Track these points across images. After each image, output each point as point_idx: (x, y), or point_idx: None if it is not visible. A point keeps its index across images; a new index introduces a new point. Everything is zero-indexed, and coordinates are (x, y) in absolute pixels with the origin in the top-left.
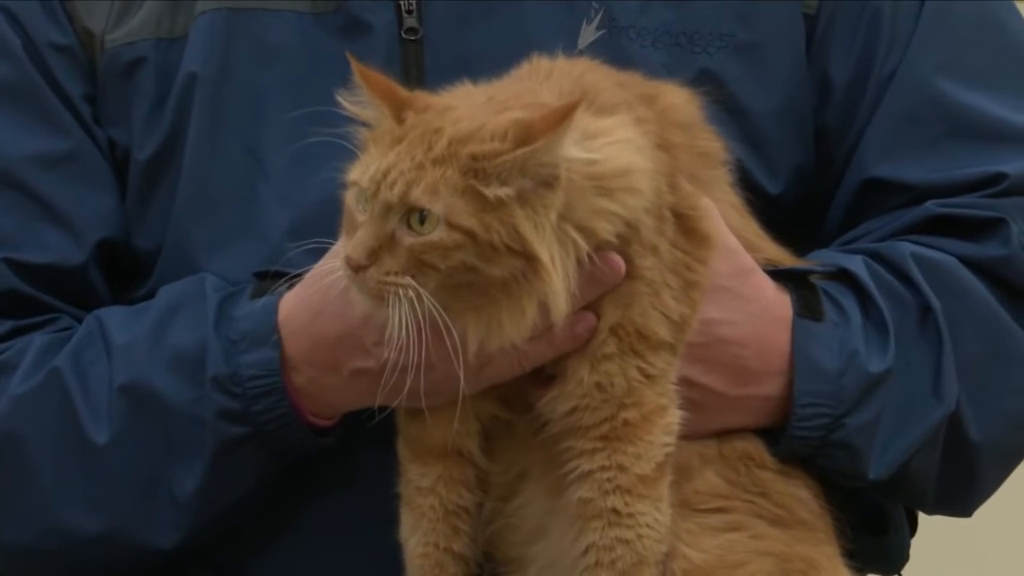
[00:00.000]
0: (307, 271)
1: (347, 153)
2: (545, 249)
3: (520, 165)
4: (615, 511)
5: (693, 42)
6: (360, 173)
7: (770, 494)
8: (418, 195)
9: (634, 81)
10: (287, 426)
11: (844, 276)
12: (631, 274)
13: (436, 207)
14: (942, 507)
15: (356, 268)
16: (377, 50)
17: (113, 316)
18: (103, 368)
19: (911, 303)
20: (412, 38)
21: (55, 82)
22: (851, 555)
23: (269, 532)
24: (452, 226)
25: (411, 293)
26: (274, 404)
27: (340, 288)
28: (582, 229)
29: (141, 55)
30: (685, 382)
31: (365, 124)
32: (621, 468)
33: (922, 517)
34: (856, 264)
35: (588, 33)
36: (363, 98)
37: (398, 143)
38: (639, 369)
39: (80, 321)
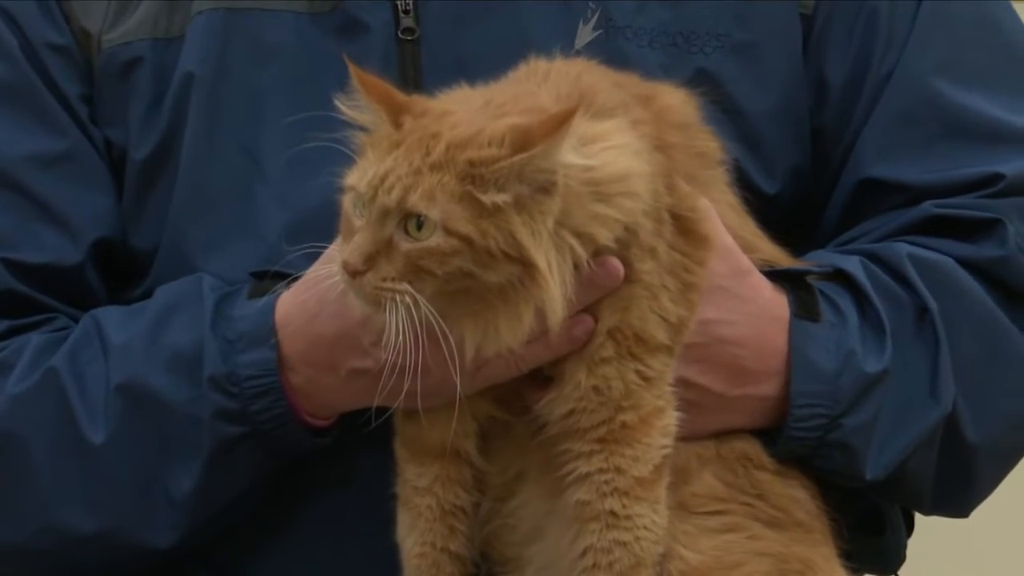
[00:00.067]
0: (304, 273)
1: (344, 156)
2: (542, 255)
3: (517, 171)
4: (613, 513)
5: (690, 42)
6: (357, 178)
7: (767, 496)
8: (415, 201)
9: (631, 82)
10: (284, 426)
11: (841, 277)
12: (629, 278)
13: (433, 213)
14: (939, 508)
15: (353, 273)
16: (374, 50)
17: (110, 316)
18: (100, 368)
19: (908, 304)
20: (409, 38)
21: (52, 82)
22: (848, 555)
23: (266, 532)
24: (449, 232)
25: (408, 299)
26: (271, 404)
27: (338, 291)
28: (579, 235)
29: (138, 55)
30: (682, 382)
31: (363, 128)
32: (619, 470)
33: (919, 517)
34: (853, 265)
35: (585, 33)
36: (361, 102)
37: (396, 148)
38: (637, 372)
39: (77, 321)
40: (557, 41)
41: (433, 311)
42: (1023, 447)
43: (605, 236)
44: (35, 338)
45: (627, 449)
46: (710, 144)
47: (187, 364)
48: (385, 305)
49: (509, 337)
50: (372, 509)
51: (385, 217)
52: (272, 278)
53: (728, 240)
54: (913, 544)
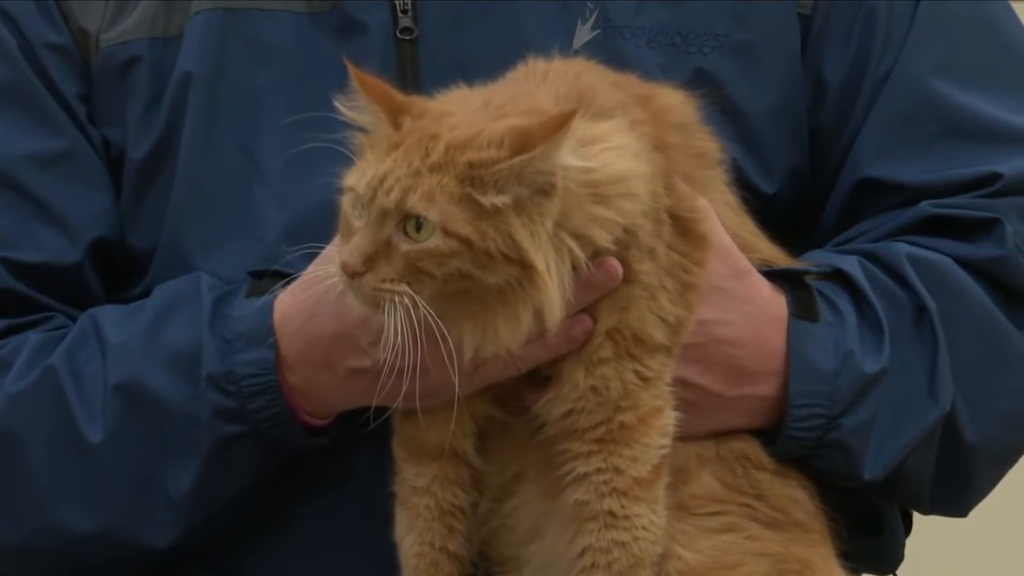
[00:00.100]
0: (303, 273)
1: (343, 157)
2: (541, 257)
3: (517, 173)
4: (611, 513)
5: (688, 42)
6: (356, 179)
7: (766, 496)
8: (414, 202)
9: (630, 82)
10: (282, 425)
11: (839, 277)
12: (628, 278)
13: (432, 214)
14: (937, 507)
15: (352, 274)
16: (372, 50)
17: (108, 315)
18: (98, 367)
19: (906, 304)
20: (407, 38)
21: (50, 82)
22: (846, 555)
23: (264, 531)
24: (448, 233)
25: (407, 300)
26: (269, 403)
27: (337, 292)
28: (578, 237)
29: (136, 54)
30: (681, 383)
31: (362, 129)
32: (617, 471)
33: (917, 517)
34: (851, 264)
35: (583, 33)
36: (360, 103)
37: (395, 149)
38: (635, 372)
39: (74, 320)
40: (555, 41)
41: (432, 312)
42: (1021, 447)
43: (604, 238)
44: (33, 337)
45: (625, 449)
46: (709, 144)
47: (185, 363)
48: (384, 306)
49: (508, 338)
50: (370, 508)
51: (384, 218)
52: (271, 277)
53: (726, 240)
54: (911, 544)
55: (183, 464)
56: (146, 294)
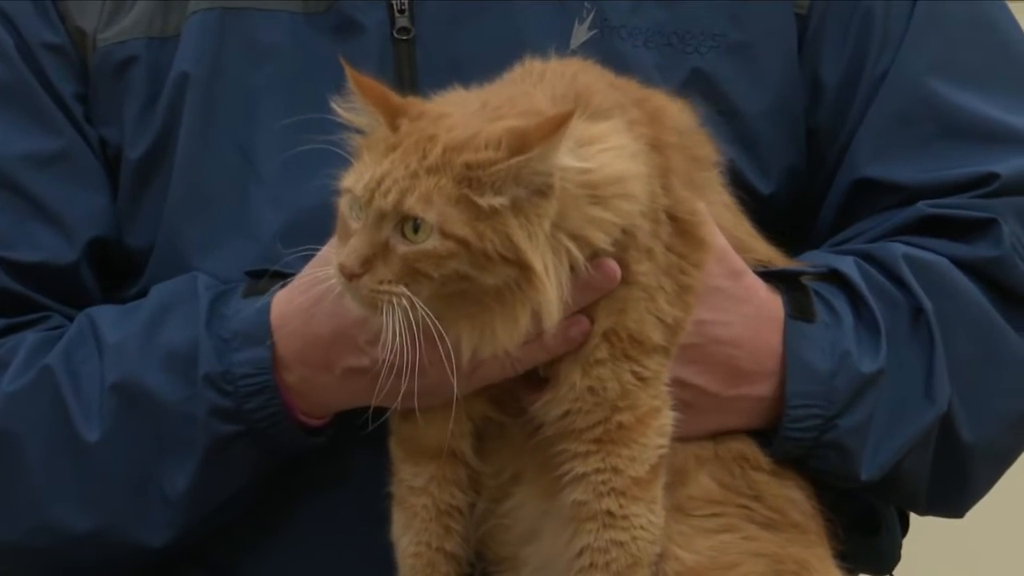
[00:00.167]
0: (299, 273)
1: (340, 158)
2: (539, 258)
3: (514, 174)
4: (609, 513)
5: (685, 42)
6: (354, 181)
7: (764, 497)
8: (412, 204)
9: (628, 86)
10: (278, 425)
11: (835, 277)
12: (626, 279)
13: (430, 216)
14: (934, 508)
15: (350, 276)
16: (369, 50)
17: (105, 314)
18: (95, 366)
19: (903, 304)
20: (404, 38)
21: (47, 81)
22: (843, 556)
23: (261, 531)
24: (446, 235)
25: (404, 301)
26: (266, 402)
27: (335, 293)
28: (576, 238)
29: (133, 54)
30: (678, 383)
31: (359, 131)
32: (615, 470)
33: (914, 517)
34: (847, 265)
35: (580, 33)
36: (357, 104)
37: (392, 151)
38: (633, 373)
39: (71, 320)
40: (552, 41)
41: (429, 313)
42: (1018, 447)
43: (602, 239)
44: (30, 336)
45: (624, 449)
46: (706, 147)
47: (182, 363)
48: (382, 308)
49: (505, 339)
50: (367, 508)
51: (382, 220)
52: (268, 278)
53: (723, 241)
54: (908, 544)
55: (179, 463)
56: (143, 294)
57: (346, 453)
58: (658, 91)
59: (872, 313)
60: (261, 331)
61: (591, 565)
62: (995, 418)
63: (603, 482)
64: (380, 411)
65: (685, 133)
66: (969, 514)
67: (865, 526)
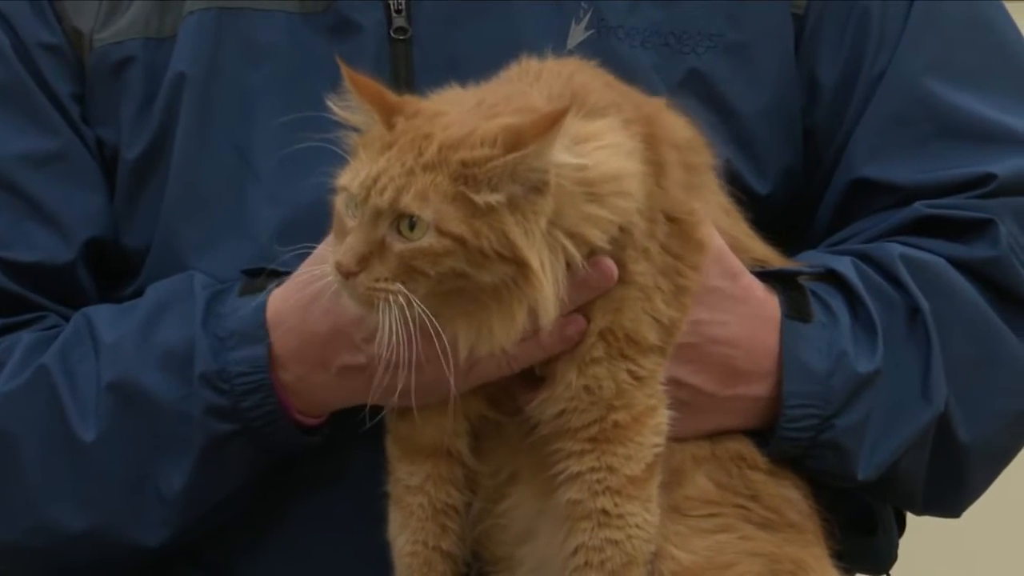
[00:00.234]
0: (296, 272)
1: (336, 156)
2: (535, 255)
3: (510, 171)
4: (605, 512)
5: (682, 42)
6: (350, 179)
7: (761, 497)
8: (408, 201)
9: (624, 87)
10: (274, 423)
11: (832, 277)
12: (623, 279)
13: (426, 214)
14: (931, 508)
15: (346, 274)
16: (366, 50)
17: (101, 314)
18: (91, 366)
19: (900, 304)
20: (401, 38)
21: (44, 82)
22: (840, 555)
23: (257, 530)
24: (442, 232)
25: (401, 299)
26: (262, 401)
27: (331, 291)
28: (572, 235)
29: (129, 54)
30: (675, 382)
31: (355, 129)
32: (611, 469)
33: (910, 517)
34: (844, 265)
35: (577, 33)
36: (353, 103)
37: (388, 149)
38: (629, 372)
39: (67, 320)
40: (549, 41)
41: (426, 311)
42: (1015, 448)
43: (598, 236)
44: (26, 336)
45: (619, 448)
46: (702, 153)
47: (178, 362)
48: (378, 305)
49: (502, 337)
50: (364, 507)
51: (378, 218)
52: (264, 276)
53: (720, 242)
54: (905, 544)
55: (176, 463)
56: (139, 294)
57: (342, 452)
58: (655, 98)
59: (869, 313)
60: (257, 329)
61: (586, 564)
62: (992, 418)
63: (598, 481)
64: (376, 410)
65: (681, 137)
66: (966, 514)
67: (862, 526)
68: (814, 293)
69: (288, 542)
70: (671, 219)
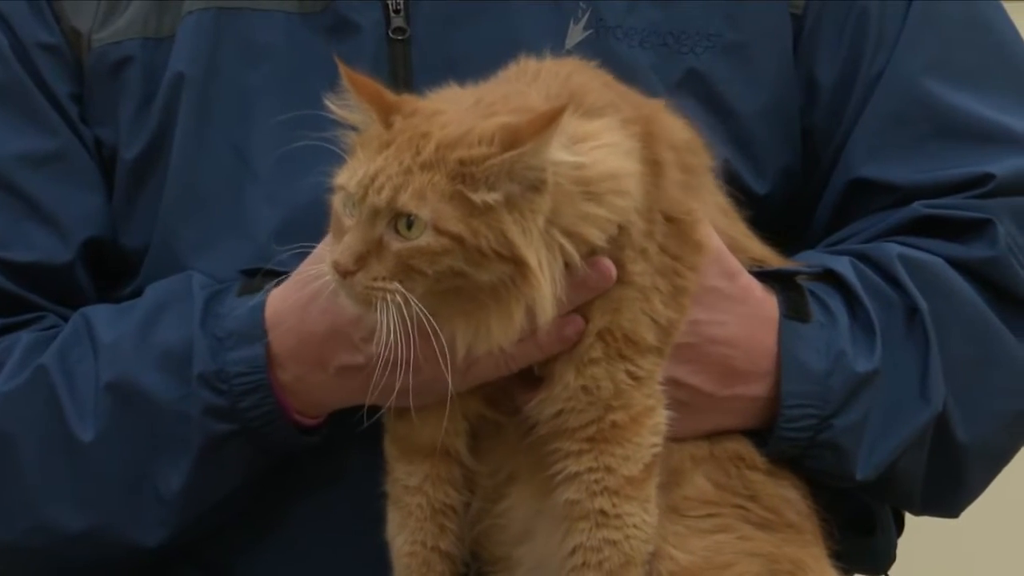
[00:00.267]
0: (294, 271)
1: (335, 156)
2: (533, 254)
3: (508, 169)
4: (603, 512)
5: (680, 42)
6: (347, 177)
7: (759, 497)
8: (405, 200)
9: (622, 89)
10: (272, 423)
11: (831, 277)
12: (622, 279)
13: (423, 212)
14: (929, 508)
15: (344, 273)
16: (365, 50)
17: (99, 314)
18: (89, 366)
19: (898, 304)
20: (400, 38)
21: (42, 81)
22: (838, 556)
23: (256, 530)
24: (440, 231)
25: (399, 298)
26: (260, 401)
27: (329, 290)
28: (570, 234)
29: (128, 54)
30: (673, 383)
31: (353, 128)
32: (609, 470)
33: (909, 517)
34: (843, 265)
35: (575, 33)
36: (351, 102)
37: (386, 148)
38: (627, 372)
39: (66, 320)
40: (548, 41)
41: (424, 310)
42: (1013, 448)
43: (597, 236)
44: (25, 336)
45: (617, 448)
46: (700, 155)
47: (176, 362)
48: (376, 305)
49: (500, 336)
50: (362, 507)
51: (375, 217)
52: (263, 276)
53: (718, 242)
54: (903, 544)
55: (174, 463)
56: (138, 294)
57: (341, 452)
58: (654, 99)
59: (867, 313)
60: (256, 329)
61: (584, 564)
62: (990, 418)
63: (596, 481)
64: (375, 409)
65: (679, 139)
66: (964, 514)
67: (860, 526)
68: (812, 293)
69: (287, 542)
70: (669, 219)
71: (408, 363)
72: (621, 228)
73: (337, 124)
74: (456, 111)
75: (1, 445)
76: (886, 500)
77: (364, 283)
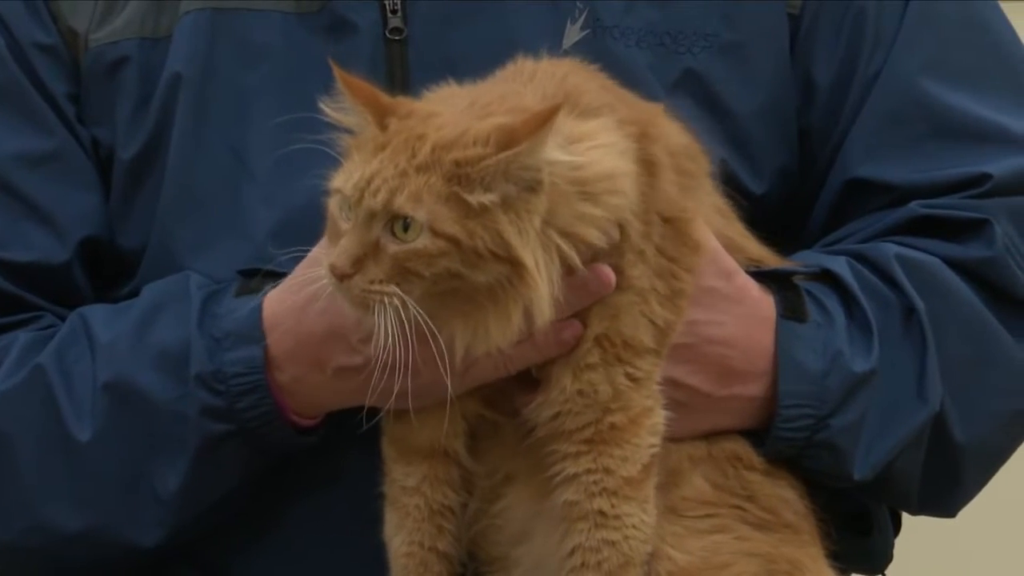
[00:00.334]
0: (292, 273)
1: (332, 157)
2: (530, 254)
3: (503, 170)
4: (601, 513)
5: (677, 42)
6: (343, 180)
7: (757, 497)
8: (401, 203)
9: (619, 90)
10: (269, 424)
11: (828, 277)
12: (620, 285)
13: (420, 214)
14: (926, 508)
15: (341, 276)
16: (362, 50)
17: (97, 314)
18: (87, 366)
19: (895, 304)
20: (397, 38)
21: (39, 82)
22: (835, 555)
23: (253, 531)
24: (436, 233)
25: (396, 301)
26: (257, 402)
27: (327, 293)
28: (567, 235)
29: (125, 54)
30: (671, 383)
31: (348, 131)
32: (607, 471)
33: (906, 517)
34: (840, 265)
35: (572, 33)
36: (346, 104)
37: (381, 150)
38: (626, 375)
39: (63, 319)
40: (544, 41)
41: (422, 312)
42: (1010, 447)
43: (593, 235)
44: (22, 336)
45: (616, 449)
46: (697, 159)
47: (174, 362)
48: (373, 307)
49: (499, 337)
50: (360, 508)
51: (371, 219)
52: (260, 277)
53: (715, 242)
54: (900, 544)
55: (171, 463)
56: (135, 294)
57: (338, 453)
58: (652, 102)
59: (864, 313)
60: (253, 330)
61: (582, 565)
62: (987, 418)
63: (594, 482)
64: (373, 411)
65: (676, 143)
66: (961, 514)
67: (857, 526)
68: (809, 293)
69: (284, 543)
70: (666, 220)
71: (406, 365)
72: (621, 226)
73: (333, 127)
74: (451, 112)
75: None
76: (883, 500)
77: (361, 286)
